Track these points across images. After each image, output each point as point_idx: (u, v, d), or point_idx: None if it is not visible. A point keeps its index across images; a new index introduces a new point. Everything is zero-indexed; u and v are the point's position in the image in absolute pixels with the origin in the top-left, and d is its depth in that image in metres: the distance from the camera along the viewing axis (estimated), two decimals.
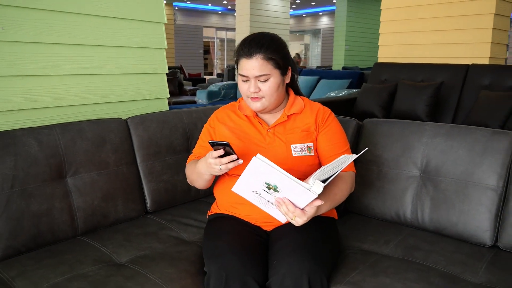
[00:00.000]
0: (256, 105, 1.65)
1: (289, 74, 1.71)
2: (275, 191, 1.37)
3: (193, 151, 1.84)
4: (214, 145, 1.44)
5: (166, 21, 2.50)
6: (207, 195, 2.33)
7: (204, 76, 15.03)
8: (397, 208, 1.98)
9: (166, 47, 2.55)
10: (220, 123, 1.77)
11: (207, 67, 20.89)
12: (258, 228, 1.66)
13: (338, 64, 12.66)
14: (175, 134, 2.22)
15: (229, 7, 17.71)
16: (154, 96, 2.52)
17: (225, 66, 17.62)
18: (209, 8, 18.00)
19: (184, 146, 2.24)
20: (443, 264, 1.59)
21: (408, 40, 4.94)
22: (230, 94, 6.99)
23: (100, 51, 2.21)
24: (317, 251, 1.46)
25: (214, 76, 17.22)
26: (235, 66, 1.72)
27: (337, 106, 4.31)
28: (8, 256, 1.61)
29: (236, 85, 7.11)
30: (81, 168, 1.85)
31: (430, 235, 1.86)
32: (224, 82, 7.21)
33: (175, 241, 1.80)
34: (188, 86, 9.68)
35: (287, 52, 1.69)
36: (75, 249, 1.68)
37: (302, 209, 1.39)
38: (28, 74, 1.95)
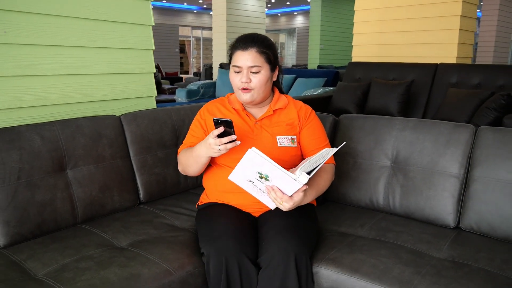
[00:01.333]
0: (246, 97, 1.79)
1: (277, 72, 1.88)
2: (266, 180, 1.54)
3: (183, 142, 1.95)
4: (218, 123, 1.54)
5: (153, 24, 2.64)
6: (195, 187, 2.49)
7: (181, 75, 15.09)
8: (371, 196, 2.18)
9: (154, 48, 2.69)
10: (210, 115, 1.89)
11: (183, 66, 20.91)
12: (247, 214, 1.82)
13: (313, 63, 12.87)
14: (165, 130, 2.37)
15: (205, 6, 17.78)
16: (142, 94, 2.66)
17: (202, 65, 17.65)
18: (185, 7, 18.04)
19: (173, 141, 2.40)
20: (412, 243, 1.79)
21: (380, 40, 5.18)
22: (209, 93, 7.12)
23: (92, 52, 2.34)
24: (300, 233, 1.64)
25: (191, 75, 17.28)
26: (228, 61, 1.86)
27: (314, 104, 4.47)
28: (16, 242, 1.74)
29: (214, 84, 7.23)
30: (80, 161, 1.99)
31: (400, 219, 2.06)
32: (203, 81, 7.34)
33: (169, 227, 1.96)
34: (166, 85, 9.77)
35: (277, 53, 1.85)
36: (77, 235, 1.82)
37: (290, 196, 1.56)
38: (27, 74, 2.07)
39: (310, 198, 1.69)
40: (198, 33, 20.42)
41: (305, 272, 1.58)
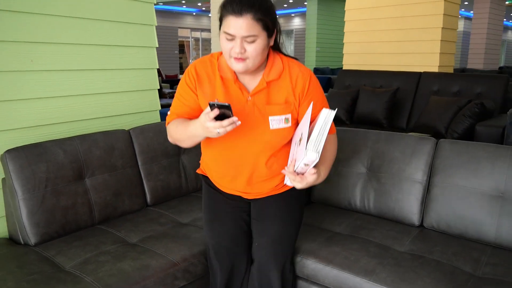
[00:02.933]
0: (239, 66, 1.59)
1: (274, 36, 1.66)
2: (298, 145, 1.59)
3: (172, 110, 1.80)
4: (214, 106, 1.41)
5: (157, 45, 2.96)
6: (195, 191, 2.81)
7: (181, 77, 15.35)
8: (349, 198, 2.49)
9: (158, 67, 3.01)
10: (199, 83, 1.73)
11: (182, 67, 21.20)
12: (239, 198, 1.89)
13: (310, 65, 13.18)
14: (168, 141, 2.67)
15: (204, 8, 18.08)
16: (148, 109, 2.98)
17: None
18: (184, 9, 18.34)
19: (176, 151, 2.71)
20: (380, 238, 2.11)
21: (368, 49, 5.50)
22: None
23: (103, 73, 2.65)
24: (291, 242, 1.92)
25: None
26: (219, 23, 1.59)
27: None
28: (44, 241, 2.06)
29: None
30: (96, 171, 2.30)
31: (373, 218, 2.38)
32: None
33: (173, 224, 2.28)
34: (166, 89, 10.06)
35: (275, 15, 1.62)
36: (95, 234, 2.14)
37: (303, 174, 1.56)
38: (48, 96, 2.37)
39: (323, 176, 1.66)
40: (197, 34, 20.70)
41: (290, 276, 1.91)
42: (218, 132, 1.44)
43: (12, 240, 2.14)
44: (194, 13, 19.21)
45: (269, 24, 1.57)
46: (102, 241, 2.06)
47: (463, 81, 4.55)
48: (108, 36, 2.63)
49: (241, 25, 1.50)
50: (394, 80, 4.95)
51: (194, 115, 1.73)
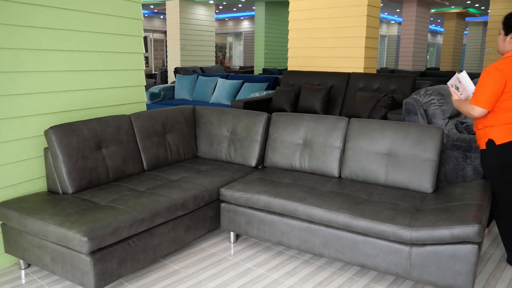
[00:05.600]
0: None
1: None
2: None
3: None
4: None
5: (144, 51, 3.86)
6: (177, 161, 3.73)
7: None
8: (291, 162, 3.51)
9: (144, 68, 3.91)
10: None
11: None
12: None
13: (259, 66, 14.17)
14: (157, 124, 3.60)
15: (156, 10, 18.78)
16: (137, 100, 3.87)
17: (154, 66, 18.59)
18: None
19: (162, 131, 3.63)
20: (311, 184, 3.13)
21: (308, 54, 6.57)
22: (169, 95, 8.29)
23: (110, 73, 3.53)
24: None
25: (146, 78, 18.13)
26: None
27: (258, 104, 5.84)
28: (78, 191, 2.92)
29: (173, 88, 8.40)
30: (110, 144, 3.19)
31: (308, 174, 3.40)
32: (164, 85, 8.50)
33: (167, 180, 3.20)
34: None
35: None
36: (113, 186, 3.03)
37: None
38: (73, 89, 3.24)
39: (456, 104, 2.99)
40: (149, 35, 21.32)
41: None
42: None
43: (51, 192, 2.99)
44: (146, 15, 19.83)
45: None
46: (120, 190, 2.96)
47: (382, 80, 5.69)
48: (113, 46, 3.51)
49: None
50: (328, 79, 6.04)
51: None
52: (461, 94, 2.93)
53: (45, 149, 2.98)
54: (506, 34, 2.81)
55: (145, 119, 3.52)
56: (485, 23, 18.18)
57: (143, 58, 3.88)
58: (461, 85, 2.89)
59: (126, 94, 3.74)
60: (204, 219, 3.15)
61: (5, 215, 2.68)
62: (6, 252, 2.82)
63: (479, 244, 2.36)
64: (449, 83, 3.03)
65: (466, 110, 2.83)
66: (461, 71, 5.64)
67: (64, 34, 3.13)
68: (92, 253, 2.36)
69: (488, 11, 12.90)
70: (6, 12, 2.74)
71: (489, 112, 2.77)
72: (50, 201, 2.77)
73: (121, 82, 3.67)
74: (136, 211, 2.61)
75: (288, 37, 6.76)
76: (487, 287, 2.68)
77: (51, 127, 2.89)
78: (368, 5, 5.84)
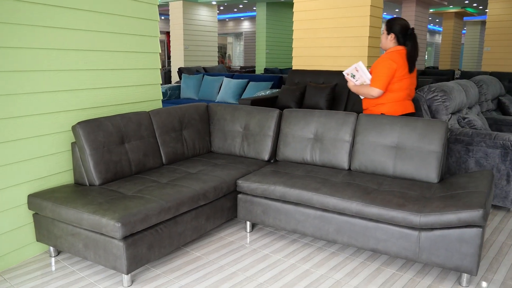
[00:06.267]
0: None
1: None
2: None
3: None
4: None
5: (160, 51, 4.03)
6: (194, 156, 3.91)
7: None
8: (302, 156, 3.69)
9: (160, 67, 4.08)
10: None
11: None
12: None
13: (260, 66, 14.34)
14: (175, 120, 3.78)
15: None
16: (154, 98, 4.05)
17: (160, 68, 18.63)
18: None
19: (179, 127, 3.81)
20: (323, 175, 3.31)
21: (313, 53, 6.75)
22: (175, 95, 8.47)
23: (130, 72, 3.71)
24: None
25: None
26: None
27: (265, 102, 6.02)
28: (104, 183, 3.10)
29: (179, 87, 8.58)
30: (132, 138, 3.36)
31: (319, 167, 3.58)
32: (170, 85, 8.68)
33: (186, 173, 3.38)
34: None
35: None
36: (137, 179, 3.21)
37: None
38: (98, 87, 3.41)
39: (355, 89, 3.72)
40: None
41: None
42: None
43: (78, 184, 3.17)
44: None
45: None
46: (144, 182, 3.13)
47: None
48: (133, 46, 3.69)
49: None
50: (333, 77, 6.22)
51: None
52: (356, 81, 3.69)
53: (72, 144, 3.15)
54: (388, 33, 3.62)
55: (164, 116, 3.70)
56: (483, 23, 18.42)
57: (159, 57, 4.05)
58: (358, 73, 3.64)
59: (145, 92, 3.92)
60: (222, 209, 3.33)
61: (38, 205, 2.85)
62: (37, 240, 3.00)
63: (483, 228, 2.54)
64: (345, 72, 3.68)
65: (366, 92, 3.60)
66: (459, 69, 5.85)
67: (89, 35, 3.31)
68: (125, 238, 2.54)
69: (486, 10, 13.11)
70: (43, 15, 2.92)
71: (383, 92, 3.55)
72: (80, 192, 2.95)
73: (140, 81, 3.84)
74: (163, 200, 2.78)
75: (293, 37, 6.94)
76: (490, 270, 2.87)
77: (78, 123, 3.07)
78: (371, 5, 6.02)
